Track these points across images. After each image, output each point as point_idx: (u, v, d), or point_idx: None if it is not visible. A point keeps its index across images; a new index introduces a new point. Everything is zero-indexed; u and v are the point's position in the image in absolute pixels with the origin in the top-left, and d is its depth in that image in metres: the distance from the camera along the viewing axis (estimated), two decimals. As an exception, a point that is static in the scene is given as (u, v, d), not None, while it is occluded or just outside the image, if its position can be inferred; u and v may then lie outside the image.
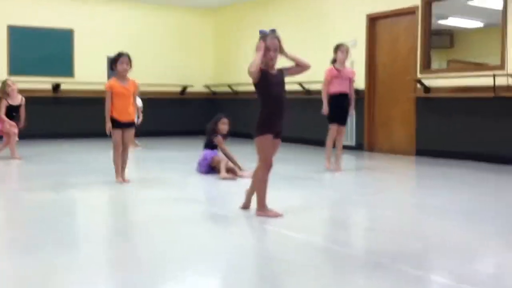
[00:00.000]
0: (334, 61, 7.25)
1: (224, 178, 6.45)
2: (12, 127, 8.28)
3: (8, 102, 8.31)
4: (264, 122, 4.39)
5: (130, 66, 6.12)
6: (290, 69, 4.54)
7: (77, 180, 6.45)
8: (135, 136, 10.12)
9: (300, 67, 4.52)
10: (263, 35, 4.39)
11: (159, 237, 3.90)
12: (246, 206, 4.65)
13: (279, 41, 4.39)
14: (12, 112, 8.37)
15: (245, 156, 7.01)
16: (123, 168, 6.22)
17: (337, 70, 7.16)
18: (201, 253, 3.51)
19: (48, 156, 8.75)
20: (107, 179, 6.21)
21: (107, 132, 6.05)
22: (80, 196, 5.61)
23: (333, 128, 7.19)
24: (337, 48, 7.22)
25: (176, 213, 4.71)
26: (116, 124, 6.05)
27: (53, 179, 6.55)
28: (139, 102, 9.90)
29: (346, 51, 7.17)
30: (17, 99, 8.43)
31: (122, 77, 6.09)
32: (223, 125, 6.92)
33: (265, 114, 4.39)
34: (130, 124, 6.20)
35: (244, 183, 5.46)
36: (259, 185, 4.46)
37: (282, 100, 4.43)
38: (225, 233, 4.11)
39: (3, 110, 8.27)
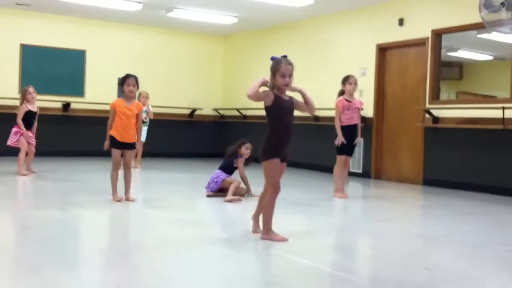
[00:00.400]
0: (342, 93, 7.27)
1: (229, 201, 6.46)
2: (30, 141, 8.51)
3: (27, 107, 8.46)
4: (272, 147, 4.40)
5: (137, 88, 6.22)
6: (299, 103, 4.55)
7: (83, 199, 6.47)
8: (142, 156, 10.21)
9: (307, 106, 4.55)
10: (277, 61, 4.41)
11: (162, 259, 3.90)
12: (257, 230, 4.64)
13: (292, 67, 4.41)
14: (31, 118, 8.53)
15: (252, 180, 7.00)
16: (127, 187, 6.27)
17: (347, 101, 7.20)
18: (204, 277, 3.50)
19: (57, 174, 8.79)
20: (108, 199, 6.22)
21: (105, 148, 6.17)
22: (86, 216, 5.62)
23: (341, 159, 7.23)
24: (345, 80, 7.24)
25: (180, 236, 4.70)
26: (115, 143, 6.14)
27: (60, 198, 6.56)
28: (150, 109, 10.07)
29: (355, 83, 7.20)
30: (35, 107, 8.60)
31: (128, 98, 6.18)
32: (246, 150, 6.98)
33: (273, 139, 4.40)
34: (130, 145, 6.24)
35: (250, 206, 5.45)
36: (266, 209, 4.46)
37: (291, 126, 4.45)
38: (228, 257, 4.10)
39: (21, 114, 8.42)
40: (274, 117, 4.39)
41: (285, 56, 4.48)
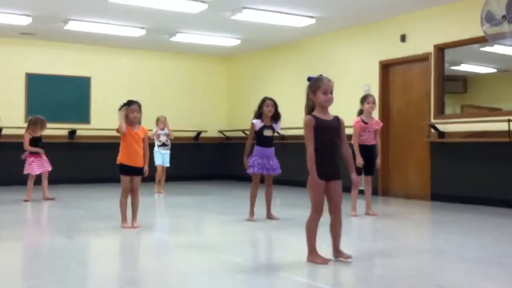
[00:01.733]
0: (361, 112, 7.26)
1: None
2: (44, 166, 8.71)
3: (31, 135, 8.62)
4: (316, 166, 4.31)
5: (140, 113, 6.21)
6: (342, 128, 4.47)
7: (89, 226, 6.46)
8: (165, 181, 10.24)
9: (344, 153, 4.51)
10: (318, 79, 4.39)
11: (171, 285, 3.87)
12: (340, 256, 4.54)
13: (333, 84, 4.39)
14: (37, 143, 8.70)
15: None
16: (134, 213, 6.21)
17: (364, 122, 7.18)
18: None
19: (63, 201, 8.78)
20: (119, 225, 6.21)
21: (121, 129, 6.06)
22: (92, 243, 5.61)
23: (365, 179, 7.27)
24: (364, 99, 7.23)
25: (191, 263, 4.67)
26: (124, 169, 6.11)
27: (66, 225, 6.56)
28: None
29: (373, 102, 7.19)
30: (38, 133, 8.77)
31: (133, 123, 6.15)
32: (268, 108, 6.65)
33: (317, 157, 4.31)
34: (138, 171, 6.19)
35: (267, 227, 5.37)
36: (309, 232, 4.40)
37: (332, 143, 4.38)
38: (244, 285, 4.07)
39: (27, 140, 8.58)
40: (315, 138, 4.31)
41: (321, 75, 4.45)
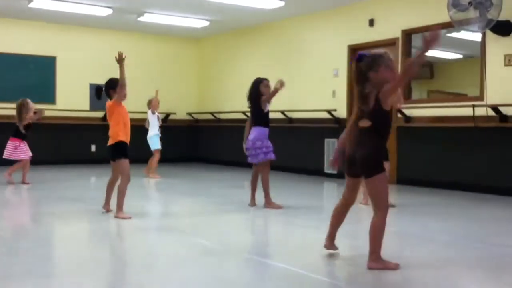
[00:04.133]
0: None
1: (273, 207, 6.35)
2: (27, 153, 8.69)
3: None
4: (379, 158, 3.84)
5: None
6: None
7: (54, 208, 6.36)
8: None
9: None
10: (380, 54, 3.85)
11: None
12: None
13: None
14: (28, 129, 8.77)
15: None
16: (109, 197, 5.97)
17: None
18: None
19: (32, 184, 8.64)
20: (86, 208, 6.13)
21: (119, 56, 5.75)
22: (58, 226, 5.53)
23: None
24: None
25: (159, 245, 4.65)
26: (126, 149, 5.72)
27: (31, 207, 6.46)
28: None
29: None
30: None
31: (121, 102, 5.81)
32: (266, 88, 6.32)
33: (381, 147, 3.87)
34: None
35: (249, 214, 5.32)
36: (375, 233, 3.81)
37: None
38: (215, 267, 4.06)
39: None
40: (386, 121, 3.88)
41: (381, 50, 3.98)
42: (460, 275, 3.83)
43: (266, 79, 6.41)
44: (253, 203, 6.47)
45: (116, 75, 5.73)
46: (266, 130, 6.36)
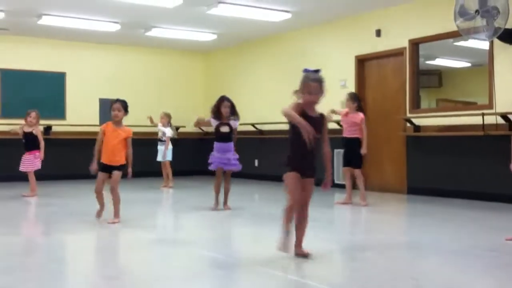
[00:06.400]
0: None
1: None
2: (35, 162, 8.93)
3: (23, 130, 8.87)
4: (291, 160, 4.35)
5: (125, 112, 6.13)
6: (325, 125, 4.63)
7: (65, 223, 6.39)
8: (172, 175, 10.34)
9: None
10: (305, 76, 4.54)
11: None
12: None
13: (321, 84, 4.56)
14: (29, 140, 8.91)
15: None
16: (115, 210, 6.19)
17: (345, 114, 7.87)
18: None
19: (39, 198, 8.68)
20: (97, 223, 6.16)
21: (92, 171, 6.10)
22: (69, 240, 5.56)
23: (344, 170, 7.98)
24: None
25: (169, 259, 4.66)
26: (101, 166, 6.11)
27: (42, 222, 6.49)
28: (168, 132, 10.43)
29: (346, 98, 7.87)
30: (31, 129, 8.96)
31: (116, 122, 6.12)
32: (225, 109, 7.07)
33: (293, 154, 4.36)
34: (114, 168, 6.12)
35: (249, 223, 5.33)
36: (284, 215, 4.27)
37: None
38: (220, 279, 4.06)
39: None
40: (296, 131, 4.26)
41: (317, 71, 4.56)
42: (472, 284, 3.80)
43: (226, 100, 7.13)
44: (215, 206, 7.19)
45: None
46: (217, 144, 7.20)
